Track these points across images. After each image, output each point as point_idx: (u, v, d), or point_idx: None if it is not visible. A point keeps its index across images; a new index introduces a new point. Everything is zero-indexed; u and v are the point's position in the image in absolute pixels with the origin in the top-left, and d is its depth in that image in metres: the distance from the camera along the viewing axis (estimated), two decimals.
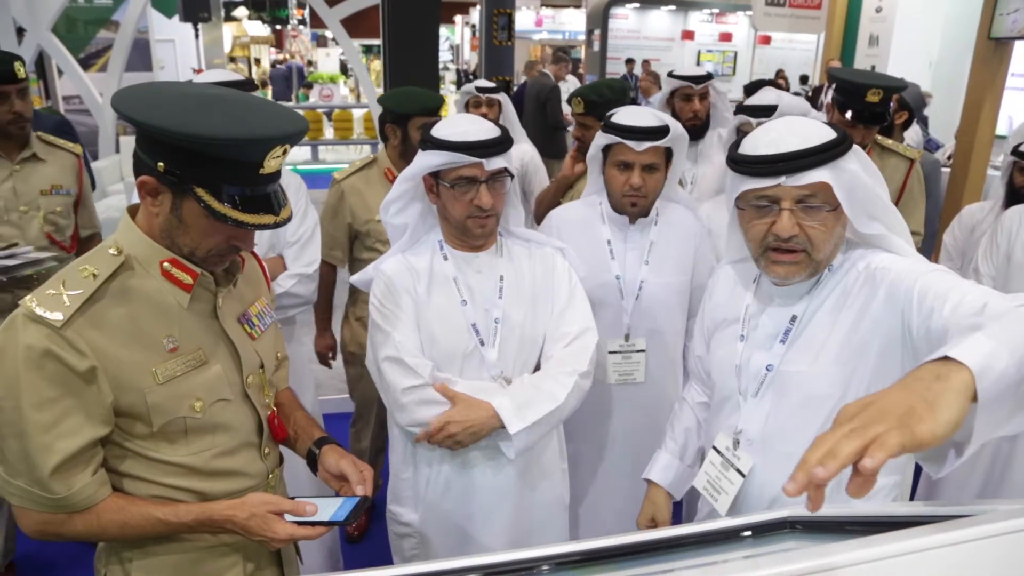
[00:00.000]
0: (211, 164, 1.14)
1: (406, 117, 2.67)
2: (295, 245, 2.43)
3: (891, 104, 2.87)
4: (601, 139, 2.09)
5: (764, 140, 1.34)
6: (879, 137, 2.90)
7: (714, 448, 1.56)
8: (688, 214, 2.25)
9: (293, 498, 1.33)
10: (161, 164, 1.15)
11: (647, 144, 2.00)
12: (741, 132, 2.31)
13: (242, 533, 1.28)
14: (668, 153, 2.10)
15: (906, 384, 0.83)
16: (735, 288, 1.60)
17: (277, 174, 1.22)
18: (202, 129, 1.10)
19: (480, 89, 3.56)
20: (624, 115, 2.05)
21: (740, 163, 1.36)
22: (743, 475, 1.48)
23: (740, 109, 2.36)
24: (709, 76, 3.12)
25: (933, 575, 0.79)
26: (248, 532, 1.28)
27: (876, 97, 2.66)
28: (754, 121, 2.24)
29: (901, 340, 1.30)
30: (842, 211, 1.34)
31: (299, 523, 1.27)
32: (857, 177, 1.32)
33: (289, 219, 1.24)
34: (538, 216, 3.09)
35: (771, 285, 1.48)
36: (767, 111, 2.22)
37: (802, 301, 1.44)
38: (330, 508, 1.30)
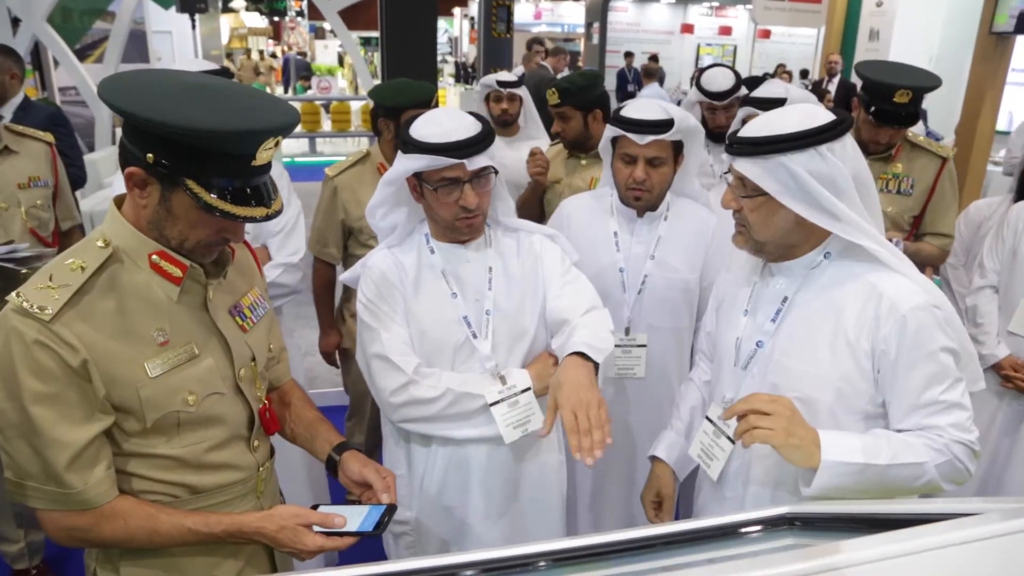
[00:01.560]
0: (202, 156, 1.12)
1: (398, 110, 2.61)
2: (279, 235, 2.41)
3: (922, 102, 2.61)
4: (609, 131, 2.07)
5: (753, 123, 1.43)
6: (910, 133, 2.76)
7: (707, 418, 1.60)
8: (702, 210, 2.19)
9: (315, 507, 1.32)
10: (150, 155, 1.12)
11: (650, 138, 1.98)
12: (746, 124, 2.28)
13: (271, 544, 1.28)
14: (678, 147, 2.06)
15: (810, 430, 1.32)
16: (746, 265, 1.62)
17: (268, 166, 1.20)
18: (194, 121, 1.08)
19: (501, 83, 3.42)
20: (631, 108, 2.03)
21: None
22: (732, 441, 1.51)
23: (747, 101, 2.32)
24: (734, 89, 2.97)
25: (940, 574, 0.78)
26: (277, 544, 1.28)
27: (905, 98, 2.51)
28: (761, 114, 2.21)
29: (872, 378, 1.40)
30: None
31: (328, 534, 1.27)
32: (797, 177, 1.33)
33: (280, 211, 1.22)
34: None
35: (770, 261, 1.52)
36: (775, 104, 2.19)
37: (795, 283, 1.47)
38: (357, 518, 1.30)
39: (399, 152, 1.69)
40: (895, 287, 1.37)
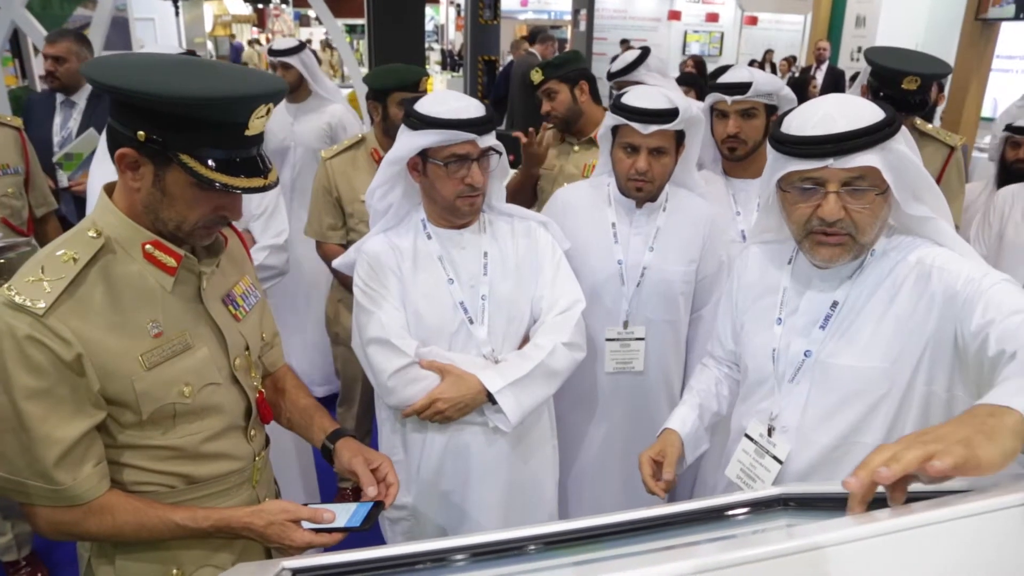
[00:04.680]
0: (195, 128, 1.10)
1: (384, 92, 2.64)
2: (261, 217, 2.40)
3: (931, 90, 2.60)
4: (610, 119, 2.03)
5: (812, 120, 1.30)
6: (918, 121, 2.75)
7: (746, 436, 1.53)
8: (700, 202, 2.16)
9: (306, 504, 1.32)
10: (141, 133, 1.10)
11: (654, 127, 1.92)
12: (715, 110, 2.28)
13: (259, 540, 1.27)
14: (680, 136, 2.02)
15: (960, 420, 0.90)
16: (767, 269, 1.56)
17: (261, 136, 1.19)
18: (187, 91, 1.06)
19: (271, 52, 3.57)
20: (634, 96, 1.97)
21: (786, 143, 1.33)
22: (780, 462, 1.46)
23: (713, 87, 2.32)
24: (631, 67, 3.12)
25: (932, 552, 0.78)
26: (266, 539, 1.27)
27: (913, 85, 2.49)
28: (728, 99, 2.20)
29: (952, 346, 1.29)
30: (889, 194, 1.32)
31: (316, 530, 1.26)
32: (906, 158, 1.29)
33: (277, 182, 1.21)
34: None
35: (809, 267, 1.45)
36: (741, 88, 2.18)
37: (843, 286, 1.42)
38: (345, 514, 1.30)
39: (404, 128, 1.68)
40: (935, 255, 1.35)
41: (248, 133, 1.14)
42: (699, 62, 7.29)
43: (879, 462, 0.84)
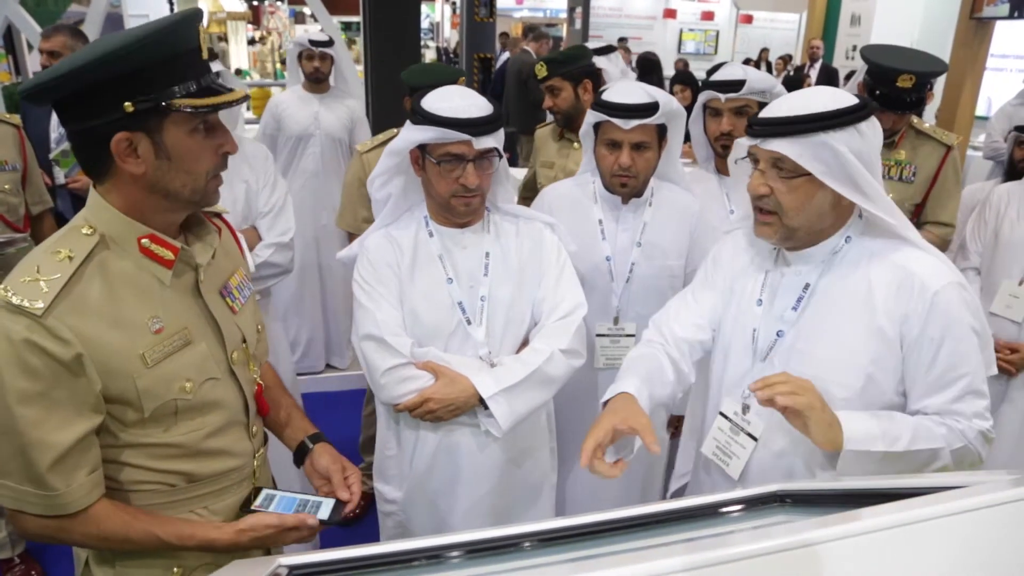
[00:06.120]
0: (169, 67, 1.12)
1: (422, 90, 2.66)
2: (268, 215, 2.41)
3: (927, 88, 2.58)
4: (591, 116, 2.03)
5: (773, 104, 1.40)
6: (915, 120, 2.73)
7: (721, 414, 1.55)
8: (685, 195, 2.17)
9: (258, 490, 1.34)
10: (128, 104, 1.10)
11: (635, 122, 1.93)
12: (709, 108, 2.28)
13: (245, 550, 1.29)
14: (662, 130, 2.03)
15: (827, 412, 1.30)
16: (751, 253, 1.59)
17: (208, 62, 1.23)
18: (150, 27, 1.09)
19: (313, 42, 3.73)
20: (614, 92, 1.99)
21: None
22: (755, 439, 1.48)
23: (706, 84, 2.32)
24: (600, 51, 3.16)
25: (926, 548, 0.79)
26: (251, 549, 1.29)
27: (908, 83, 2.47)
28: (722, 97, 2.21)
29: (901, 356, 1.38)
30: (822, 182, 1.34)
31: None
32: (837, 155, 1.31)
33: (247, 96, 1.25)
34: None
35: (788, 251, 1.48)
36: (734, 86, 2.19)
37: (817, 269, 1.45)
38: (312, 506, 1.36)
39: (408, 122, 1.68)
40: (921, 265, 1.37)
41: (204, 57, 1.18)
42: (644, 58, 7.13)
43: (769, 384, 1.28)
